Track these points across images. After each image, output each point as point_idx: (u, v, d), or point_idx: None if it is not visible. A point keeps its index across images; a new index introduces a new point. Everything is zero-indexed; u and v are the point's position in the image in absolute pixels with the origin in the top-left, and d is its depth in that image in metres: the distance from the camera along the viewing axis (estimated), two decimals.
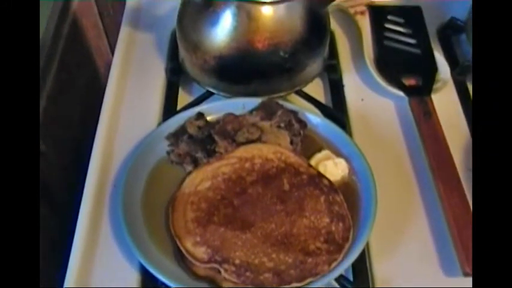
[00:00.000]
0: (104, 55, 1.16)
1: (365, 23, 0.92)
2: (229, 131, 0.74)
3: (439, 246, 0.70)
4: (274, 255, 0.64)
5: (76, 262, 0.68)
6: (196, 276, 0.65)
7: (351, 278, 0.67)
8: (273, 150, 0.73)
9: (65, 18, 1.00)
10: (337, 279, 0.65)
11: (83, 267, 0.68)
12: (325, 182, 0.70)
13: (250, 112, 0.78)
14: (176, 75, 0.87)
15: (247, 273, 0.63)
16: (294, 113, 0.77)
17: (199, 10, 0.79)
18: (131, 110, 0.85)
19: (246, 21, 0.77)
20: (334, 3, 0.84)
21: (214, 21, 0.78)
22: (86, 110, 1.03)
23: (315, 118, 0.78)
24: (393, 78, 0.84)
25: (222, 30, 0.77)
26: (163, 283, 0.64)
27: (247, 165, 0.72)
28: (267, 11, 0.76)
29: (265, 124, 0.76)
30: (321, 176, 0.71)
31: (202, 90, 0.84)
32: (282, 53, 0.77)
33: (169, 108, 0.83)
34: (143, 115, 0.83)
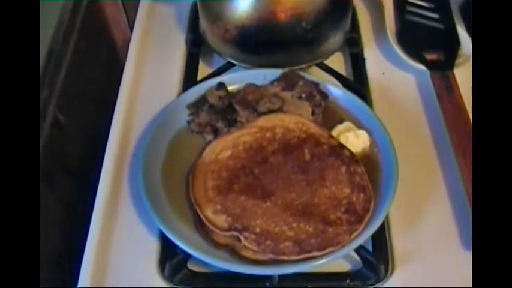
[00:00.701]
0: (121, 28, 1.15)
1: None
2: (251, 101, 0.74)
3: (458, 220, 0.69)
4: (294, 224, 0.64)
5: (96, 230, 0.69)
6: (216, 244, 0.65)
7: (370, 249, 0.66)
8: (294, 120, 0.73)
9: None
10: (356, 250, 0.65)
11: (103, 235, 0.68)
12: (346, 152, 0.70)
13: (271, 83, 0.77)
14: (197, 47, 0.87)
15: (268, 242, 0.63)
16: (315, 84, 0.77)
17: None
18: (151, 81, 0.85)
19: None
20: None
21: None
22: (105, 83, 1.03)
23: (336, 90, 0.77)
24: (415, 53, 0.84)
25: (244, 0, 0.77)
26: (182, 251, 0.64)
27: (268, 134, 0.71)
28: None
29: (287, 94, 0.75)
30: (342, 146, 0.70)
31: (223, 62, 0.84)
32: (304, 24, 0.77)
33: (190, 79, 0.83)
34: (163, 86, 0.83)
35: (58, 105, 0.88)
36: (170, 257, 0.65)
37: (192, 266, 0.66)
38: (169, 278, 0.65)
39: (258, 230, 0.64)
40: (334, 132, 0.73)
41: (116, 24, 1.13)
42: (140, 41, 0.89)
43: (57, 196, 0.86)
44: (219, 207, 0.66)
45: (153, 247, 0.68)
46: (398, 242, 0.68)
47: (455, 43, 0.85)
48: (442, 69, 0.81)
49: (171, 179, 0.71)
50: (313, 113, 0.75)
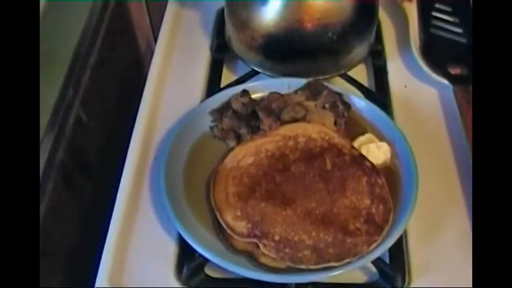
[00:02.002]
0: (145, 32, 1.17)
1: (412, 11, 0.91)
2: (274, 109, 0.75)
3: None
4: (313, 233, 0.64)
5: (115, 230, 0.70)
6: (235, 250, 0.65)
7: (387, 261, 0.67)
8: (317, 129, 0.73)
9: None
10: (373, 261, 0.65)
11: (122, 236, 0.69)
12: (368, 163, 0.70)
13: (295, 92, 0.78)
14: (221, 53, 0.88)
15: (286, 250, 0.63)
16: (339, 94, 0.77)
17: None
18: (175, 85, 0.85)
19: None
20: None
21: None
22: (126, 84, 1.04)
23: (359, 101, 0.78)
24: (438, 66, 0.84)
25: (272, 8, 0.78)
26: (200, 255, 0.64)
27: (290, 143, 0.72)
28: None
29: (311, 104, 0.76)
30: (363, 157, 0.71)
31: (247, 69, 0.84)
32: (330, 34, 0.77)
33: (213, 85, 0.84)
34: (186, 91, 0.84)
35: (82, 104, 0.90)
36: (188, 261, 0.66)
37: (209, 271, 0.66)
38: (185, 282, 0.66)
39: (277, 237, 0.64)
40: (356, 143, 0.74)
41: (140, 27, 1.15)
42: (166, 45, 0.90)
43: (76, 195, 0.87)
44: (239, 213, 0.66)
45: (171, 250, 0.68)
46: (416, 255, 0.68)
47: None
48: (465, 83, 0.81)
49: (192, 183, 0.71)
50: (335, 123, 0.75)
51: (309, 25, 0.77)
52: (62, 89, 0.83)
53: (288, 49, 0.79)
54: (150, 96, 0.83)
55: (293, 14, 0.77)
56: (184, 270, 0.66)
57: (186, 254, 0.67)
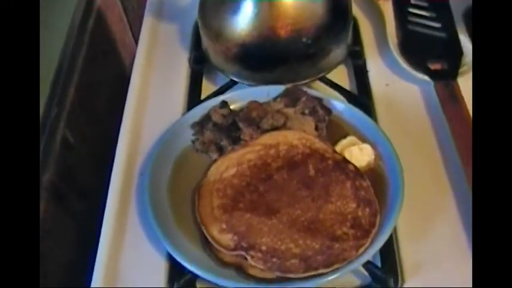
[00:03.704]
0: (128, 48, 1.17)
1: (388, 8, 0.91)
2: (254, 118, 0.74)
3: (468, 231, 0.69)
4: (300, 241, 0.64)
5: (104, 250, 0.69)
6: (223, 263, 0.65)
7: (379, 264, 0.66)
8: (298, 136, 0.73)
9: (89, 13, 1.01)
10: (364, 265, 0.65)
11: (111, 255, 0.69)
12: (351, 167, 0.70)
13: (275, 99, 0.78)
14: (200, 64, 0.88)
15: (274, 260, 0.63)
16: (319, 99, 0.77)
17: None
18: (156, 100, 0.85)
19: (268, 7, 0.77)
20: None
21: (235, 8, 0.78)
22: (113, 101, 1.04)
23: (339, 104, 0.77)
24: (418, 63, 0.83)
25: (244, 17, 0.77)
26: (190, 271, 0.64)
27: (272, 151, 0.72)
28: None
29: (290, 111, 0.75)
30: (346, 161, 0.70)
31: (226, 79, 0.84)
32: (304, 39, 0.77)
33: (194, 98, 0.84)
34: (168, 105, 0.84)
35: (67, 124, 0.89)
36: (178, 277, 0.66)
37: (201, 284, 0.66)
38: None
39: (264, 248, 0.64)
40: (338, 147, 0.73)
41: (123, 44, 1.14)
42: (144, 60, 0.90)
43: (68, 214, 0.87)
44: (224, 226, 0.66)
45: (161, 266, 0.68)
46: (407, 255, 0.67)
47: (458, 52, 0.84)
48: (446, 78, 0.80)
49: (177, 199, 0.71)
50: (316, 128, 0.75)
51: (281, 32, 0.76)
52: (44, 111, 0.83)
53: (263, 57, 0.79)
54: (132, 112, 0.83)
55: (265, 22, 0.77)
56: (175, 287, 0.65)
57: (176, 271, 0.67)
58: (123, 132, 0.81)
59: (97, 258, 0.69)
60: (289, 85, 0.78)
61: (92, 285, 0.67)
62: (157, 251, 0.69)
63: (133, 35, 1.20)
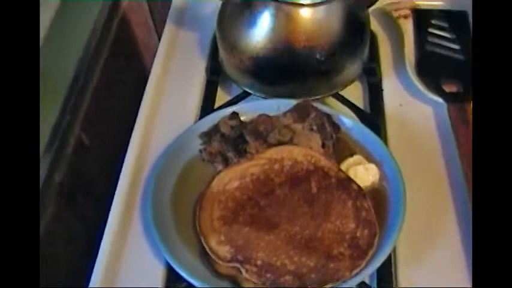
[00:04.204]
0: (152, 51, 1.18)
1: (408, 27, 0.91)
2: (262, 132, 0.75)
3: (468, 257, 0.68)
4: (296, 258, 0.64)
5: (105, 252, 0.71)
6: (219, 275, 0.65)
7: (375, 285, 0.66)
8: (304, 152, 0.73)
9: (114, 15, 1.03)
10: (359, 287, 0.65)
11: (111, 258, 0.70)
12: (354, 186, 0.70)
13: (284, 114, 0.78)
14: (216, 75, 0.89)
15: (268, 275, 0.63)
16: (328, 116, 0.77)
17: (238, 10, 0.80)
18: (170, 106, 0.86)
19: (283, 22, 0.77)
20: (378, 6, 0.84)
21: (252, 21, 0.78)
22: (131, 104, 1.06)
23: (348, 121, 0.77)
24: (433, 84, 0.83)
25: (259, 30, 0.78)
26: (186, 280, 0.65)
27: (276, 166, 0.72)
28: (304, 13, 0.76)
29: (298, 126, 0.75)
30: (350, 180, 0.70)
31: (241, 90, 0.85)
32: (318, 56, 0.77)
33: (207, 107, 0.85)
34: (181, 112, 0.85)
35: (83, 127, 0.91)
36: (174, 285, 0.67)
37: None
38: None
39: (259, 262, 0.64)
40: (344, 165, 0.73)
41: (146, 46, 1.16)
42: (162, 66, 0.91)
43: (78, 215, 0.88)
44: (223, 238, 0.66)
45: (159, 273, 0.69)
46: (405, 278, 0.67)
47: None
48: (459, 101, 0.80)
49: (180, 207, 0.72)
50: (323, 145, 0.75)
51: (295, 47, 0.77)
52: (60, 111, 0.84)
53: (276, 71, 0.79)
54: (145, 117, 0.84)
55: (279, 36, 0.77)
56: None
57: (172, 279, 0.67)
58: (134, 136, 0.82)
59: (97, 260, 0.70)
60: (300, 100, 0.79)
61: (90, 286, 0.68)
62: (157, 258, 0.70)
63: (159, 39, 1.22)
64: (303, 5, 0.76)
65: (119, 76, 1.04)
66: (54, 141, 0.82)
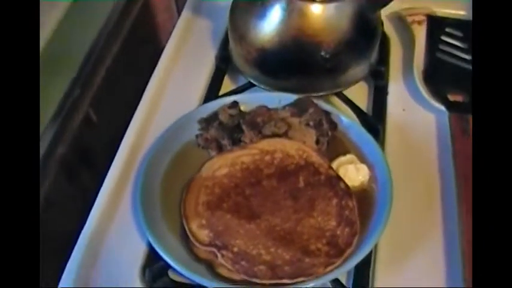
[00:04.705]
0: None
1: (421, 33, 0.90)
2: (258, 123, 0.75)
3: (449, 269, 0.68)
4: (272, 249, 0.65)
5: (92, 225, 0.72)
6: (196, 258, 0.66)
7: (351, 285, 0.66)
8: (296, 147, 0.73)
9: None
10: (333, 284, 0.65)
11: (98, 231, 0.71)
12: (342, 185, 0.70)
13: (283, 107, 0.78)
14: (224, 64, 0.90)
15: (243, 262, 0.64)
16: (327, 113, 0.77)
17: (250, 2, 0.81)
18: (176, 90, 0.88)
19: (292, 17, 0.78)
20: (394, 10, 0.84)
21: (262, 13, 0.79)
22: (144, 88, 1.07)
23: (347, 121, 0.77)
24: (438, 92, 0.82)
25: (268, 23, 0.79)
26: (164, 259, 0.66)
27: (267, 158, 0.73)
28: (315, 9, 0.77)
29: (294, 120, 0.76)
30: (338, 178, 0.70)
31: (246, 81, 0.85)
32: (323, 53, 0.77)
33: (212, 94, 0.86)
34: (186, 96, 0.86)
35: (92, 103, 0.93)
36: (152, 263, 0.68)
37: (174, 276, 0.67)
38: (148, 284, 0.67)
39: (236, 249, 0.65)
40: (335, 163, 0.73)
41: (167, 32, 1.17)
42: (173, 51, 0.93)
43: (78, 188, 0.90)
44: (204, 222, 0.67)
45: (141, 252, 0.70)
46: (382, 281, 0.67)
47: None
48: (462, 111, 0.79)
49: (169, 190, 0.73)
50: (317, 142, 0.75)
51: (301, 42, 0.77)
52: (69, 86, 0.86)
53: (281, 64, 0.80)
54: (150, 98, 0.86)
55: (287, 30, 0.78)
56: (147, 272, 0.67)
57: (151, 257, 0.68)
58: (137, 115, 0.83)
59: (83, 230, 0.71)
60: (302, 95, 0.79)
61: (73, 255, 0.69)
62: (141, 236, 0.71)
63: None
64: (314, 1, 0.77)
65: (135, 59, 1.06)
66: (60, 112, 0.84)
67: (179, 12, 1.18)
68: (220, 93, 0.86)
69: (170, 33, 1.08)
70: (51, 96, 0.84)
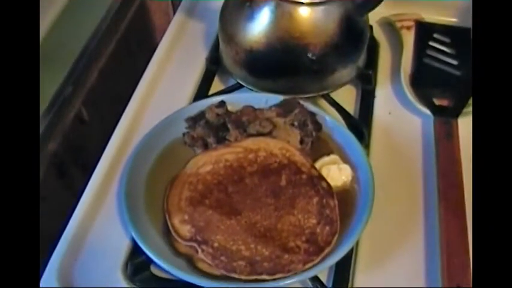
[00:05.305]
0: None
1: (409, 38, 0.91)
2: (243, 122, 0.76)
3: (428, 270, 0.68)
4: (252, 245, 0.65)
5: (77, 219, 0.73)
6: (177, 252, 0.67)
7: (330, 285, 0.66)
8: (280, 146, 0.74)
9: (132, 1, 1.06)
10: (312, 282, 0.65)
11: (82, 225, 0.72)
12: (324, 184, 0.71)
13: (270, 107, 0.79)
14: (214, 65, 0.91)
15: (222, 258, 0.65)
16: (312, 114, 0.78)
17: (240, 3, 0.82)
18: (166, 89, 0.89)
19: (280, 18, 0.79)
20: (384, 15, 0.85)
21: (250, 15, 0.80)
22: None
23: (331, 121, 0.78)
24: (425, 96, 0.83)
25: (256, 25, 0.80)
26: (146, 254, 0.66)
27: (250, 156, 0.73)
28: (302, 12, 0.78)
29: (279, 120, 0.77)
30: (320, 178, 0.71)
31: (235, 82, 0.86)
32: (310, 55, 0.78)
33: (201, 94, 0.87)
34: (176, 96, 0.87)
35: (84, 102, 0.94)
36: (134, 258, 0.68)
37: (155, 270, 0.68)
38: (130, 278, 0.68)
39: (216, 244, 0.66)
40: (319, 163, 0.74)
41: (161, 34, 1.18)
42: (165, 52, 0.94)
43: (67, 186, 0.91)
44: (186, 217, 0.68)
45: (124, 246, 0.71)
46: (361, 280, 0.68)
47: (468, 92, 0.83)
48: (446, 115, 0.80)
49: (154, 186, 0.73)
50: (302, 142, 0.76)
51: (288, 43, 0.78)
52: (61, 84, 0.87)
53: (269, 65, 0.81)
54: (140, 96, 0.87)
55: (275, 32, 0.79)
56: (129, 266, 0.68)
57: (133, 252, 0.69)
58: (127, 112, 0.84)
59: (68, 225, 0.72)
60: (288, 96, 0.80)
61: (57, 249, 0.70)
62: (124, 231, 0.72)
63: None
64: (302, 4, 0.78)
65: (130, 59, 1.07)
66: (51, 109, 0.85)
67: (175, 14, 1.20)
68: (210, 93, 0.87)
69: None
70: (42, 93, 0.85)
